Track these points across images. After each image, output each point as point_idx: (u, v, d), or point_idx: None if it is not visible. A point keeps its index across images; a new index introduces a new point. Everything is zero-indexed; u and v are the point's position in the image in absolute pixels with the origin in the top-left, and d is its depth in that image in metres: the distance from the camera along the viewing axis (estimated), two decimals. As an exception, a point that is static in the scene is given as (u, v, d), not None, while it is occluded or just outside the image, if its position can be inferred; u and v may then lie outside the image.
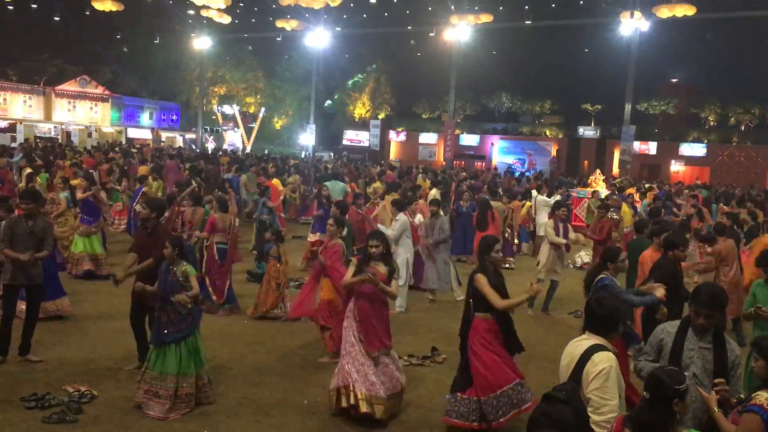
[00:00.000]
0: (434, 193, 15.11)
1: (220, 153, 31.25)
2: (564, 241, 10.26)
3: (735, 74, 39.89)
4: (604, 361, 3.63)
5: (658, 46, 35.36)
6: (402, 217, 10.26)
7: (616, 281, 6.43)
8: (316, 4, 27.04)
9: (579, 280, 11.26)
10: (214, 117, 44.37)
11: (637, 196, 19.96)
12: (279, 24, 34.87)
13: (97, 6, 29.81)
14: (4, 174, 15.42)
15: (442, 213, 10.91)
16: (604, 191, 19.64)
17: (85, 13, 35.72)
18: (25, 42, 39.84)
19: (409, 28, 38.98)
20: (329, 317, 7.55)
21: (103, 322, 8.64)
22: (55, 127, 37.81)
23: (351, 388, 5.88)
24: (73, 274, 10.91)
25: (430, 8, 36.56)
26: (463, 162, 39.96)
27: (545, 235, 10.49)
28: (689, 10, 26.04)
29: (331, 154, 40.99)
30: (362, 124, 47.50)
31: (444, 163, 36.79)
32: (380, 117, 47.54)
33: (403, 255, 10.03)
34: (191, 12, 37.13)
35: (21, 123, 35.10)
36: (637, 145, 37.58)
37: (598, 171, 25.02)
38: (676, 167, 39.40)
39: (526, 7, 36.35)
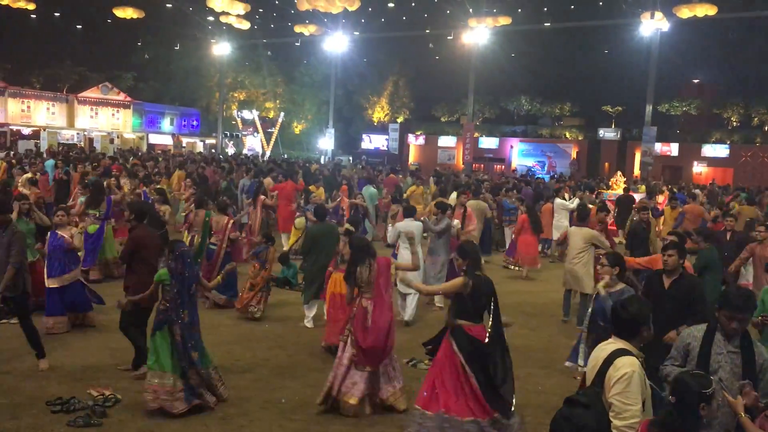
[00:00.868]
0: (453, 197, 15.12)
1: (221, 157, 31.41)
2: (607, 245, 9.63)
3: (758, 74, 39.32)
4: (627, 365, 3.59)
5: (679, 47, 34.99)
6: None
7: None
8: (335, 9, 27.08)
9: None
10: (234, 122, 44.65)
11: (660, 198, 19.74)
12: (297, 29, 35.01)
13: (119, 14, 30.17)
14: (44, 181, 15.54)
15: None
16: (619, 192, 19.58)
17: (107, 21, 36.13)
18: (48, 50, 40.43)
19: (428, 31, 38.95)
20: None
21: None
22: (77, 133, 38.29)
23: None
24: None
25: (448, 11, 36.53)
26: (482, 165, 39.86)
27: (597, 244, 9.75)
28: (710, 10, 25.72)
29: (350, 158, 41.08)
30: (381, 128, 47.56)
31: (463, 166, 36.70)
32: (399, 120, 47.57)
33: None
34: (211, 18, 37.44)
35: (44, 130, 35.56)
36: (659, 147, 37.21)
37: (619, 173, 24.83)
38: (698, 168, 38.95)
39: (545, 9, 36.18)
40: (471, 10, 33.01)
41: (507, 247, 15.10)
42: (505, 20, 31.77)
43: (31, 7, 31.57)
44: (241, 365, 7.51)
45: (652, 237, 10.87)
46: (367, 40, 41.78)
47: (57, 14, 38.61)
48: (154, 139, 42.30)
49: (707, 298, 6.13)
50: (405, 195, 17.13)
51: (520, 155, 43.38)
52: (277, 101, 47.02)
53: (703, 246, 8.26)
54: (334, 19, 36.10)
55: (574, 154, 42.23)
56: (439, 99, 47.15)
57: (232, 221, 10.30)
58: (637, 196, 18.71)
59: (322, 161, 37.58)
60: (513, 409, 5.57)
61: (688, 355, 4.18)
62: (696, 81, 43.74)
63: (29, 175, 14.13)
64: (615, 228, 15.91)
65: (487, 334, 5.50)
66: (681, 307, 5.68)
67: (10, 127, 35.72)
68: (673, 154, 39.89)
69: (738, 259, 9.07)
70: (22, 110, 36.67)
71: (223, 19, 32.51)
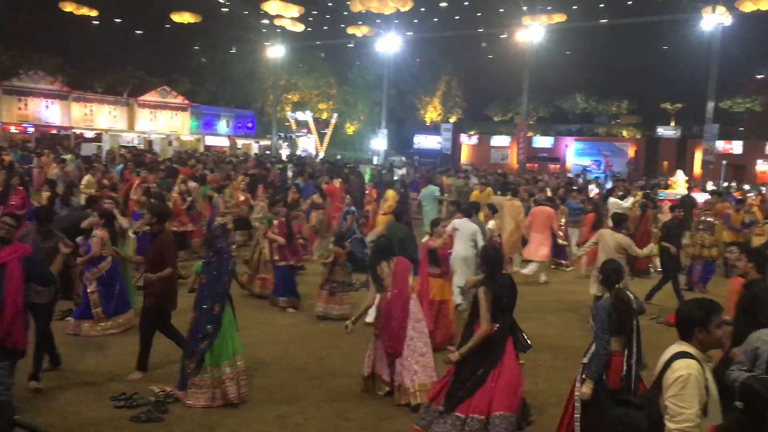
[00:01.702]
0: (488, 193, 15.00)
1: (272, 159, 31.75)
2: (644, 252, 9.56)
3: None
4: (683, 368, 3.48)
5: (742, 41, 33.81)
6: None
7: None
8: (387, 9, 27.19)
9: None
10: (287, 124, 45.20)
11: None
12: (350, 31, 35.29)
13: (176, 19, 30.96)
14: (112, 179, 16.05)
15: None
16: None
17: (166, 27, 37.06)
18: (110, 55, 41.71)
19: (481, 30, 38.69)
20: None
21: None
22: (138, 136, 39.37)
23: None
24: None
25: (501, 10, 36.19)
26: (536, 165, 39.36)
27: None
28: (776, 3, 24.86)
29: (403, 159, 41.10)
30: (433, 128, 47.45)
31: (517, 165, 36.32)
32: (451, 120, 47.38)
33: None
34: (265, 22, 37.99)
35: (106, 133, 36.69)
36: (721, 145, 36.07)
37: (680, 172, 24.17)
38: (762, 167, 37.59)
39: (602, 5, 35.48)
40: (525, 8, 32.66)
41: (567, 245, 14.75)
42: (560, 17, 31.34)
43: (94, 13, 32.70)
44: (297, 364, 7.57)
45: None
46: (419, 40, 41.75)
47: (118, 20, 39.78)
48: (211, 141, 43.19)
49: None
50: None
51: (575, 154, 42.66)
52: (330, 102, 47.44)
53: None
54: (387, 20, 36.18)
55: (631, 153, 41.30)
56: (492, 98, 46.80)
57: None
58: (699, 196, 18.15)
59: (374, 162, 37.71)
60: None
61: (757, 359, 4.03)
62: (760, 76, 42.21)
63: (89, 177, 14.60)
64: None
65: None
66: (750, 313, 5.47)
67: (74, 130, 36.99)
68: (736, 152, 38.61)
69: None
70: (85, 114, 37.95)
71: (277, 22, 33.00)
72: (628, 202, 14.67)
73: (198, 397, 6.15)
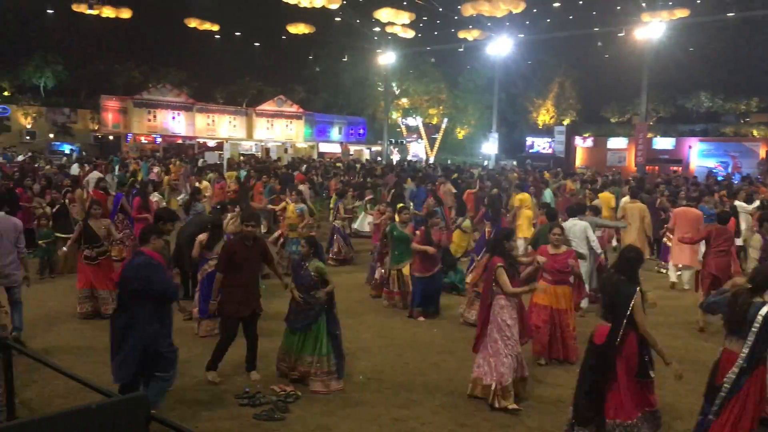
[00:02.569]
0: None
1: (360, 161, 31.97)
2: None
3: None
4: None
5: None
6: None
7: None
8: (499, 12, 26.83)
9: None
10: (398, 129, 45.58)
11: None
12: (461, 35, 35.13)
13: (292, 30, 31.96)
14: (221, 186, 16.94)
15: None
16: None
17: (282, 38, 38.37)
18: (230, 67, 43.73)
19: (596, 29, 37.43)
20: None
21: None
22: (255, 144, 40.95)
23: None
24: None
25: (618, 7, 34.90)
26: (656, 167, 37.55)
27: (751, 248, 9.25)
28: None
29: (514, 163, 40.43)
30: (546, 131, 46.41)
31: (635, 168, 34.85)
32: (565, 123, 46.16)
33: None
34: (377, 29, 38.52)
35: (227, 141, 38.42)
36: None
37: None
38: None
39: (728, -2, 33.49)
40: (644, 4, 31.32)
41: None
42: (682, 12, 29.83)
43: (216, 28, 34.37)
44: (411, 369, 7.60)
45: None
46: (530, 42, 40.93)
47: (238, 33, 41.62)
48: (324, 147, 44.28)
49: None
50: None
51: (699, 156, 40.37)
52: (441, 107, 47.42)
53: None
54: (498, 23, 35.75)
55: (763, 154, 38.62)
56: (608, 99, 45.20)
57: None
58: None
59: (486, 166, 37.33)
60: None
61: None
62: None
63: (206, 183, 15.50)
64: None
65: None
66: None
67: (198, 139, 38.99)
68: None
69: None
70: (208, 124, 39.92)
71: (388, 29, 33.37)
72: (754, 204, 13.74)
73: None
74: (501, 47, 37.31)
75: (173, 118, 38.48)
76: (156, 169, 23.29)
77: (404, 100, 47.67)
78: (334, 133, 45.95)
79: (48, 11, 37.80)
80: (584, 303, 10.00)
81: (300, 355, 6.85)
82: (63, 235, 11.73)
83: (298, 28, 32.01)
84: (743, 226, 13.33)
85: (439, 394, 6.81)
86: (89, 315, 9.23)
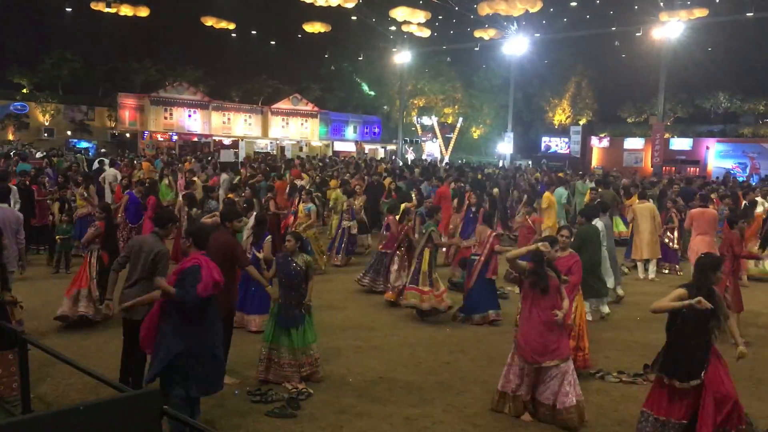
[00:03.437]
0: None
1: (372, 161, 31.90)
2: None
3: None
4: None
5: None
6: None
7: None
8: (516, 11, 26.74)
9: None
10: (413, 128, 45.56)
11: None
12: (477, 34, 35.05)
13: (308, 29, 32.05)
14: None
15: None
16: None
17: (297, 36, 38.47)
18: (245, 66, 43.93)
19: (614, 28, 37.17)
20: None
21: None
22: (270, 142, 41.08)
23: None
24: None
25: (636, 6, 34.64)
26: (673, 168, 37.25)
27: None
28: None
29: (529, 162, 40.28)
30: (561, 131, 46.19)
31: (651, 168, 34.60)
32: (581, 123, 45.92)
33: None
34: (393, 28, 38.53)
35: (242, 140, 38.59)
36: None
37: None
38: None
39: (747, -3, 33.10)
40: (662, 3, 31.08)
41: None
42: (701, 12, 29.57)
43: (232, 26, 34.54)
44: (424, 368, 7.59)
45: None
46: (547, 41, 40.76)
47: (253, 32, 41.78)
48: (339, 146, 44.33)
49: None
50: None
51: (717, 157, 39.98)
52: (456, 106, 47.34)
53: None
54: (514, 22, 35.64)
55: (781, 155, 38.19)
56: (625, 99, 44.90)
57: (494, 234, 9.81)
58: None
59: (500, 165, 37.23)
60: None
61: None
62: None
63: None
64: None
65: None
66: None
67: (214, 137, 39.20)
68: None
69: None
70: (223, 122, 40.11)
71: (404, 28, 33.39)
72: (761, 208, 13.69)
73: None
74: (517, 46, 37.19)
75: (189, 116, 38.69)
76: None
77: (420, 99, 47.62)
78: (349, 131, 46.00)
79: (67, 9, 38.14)
80: (605, 308, 9.95)
81: (298, 348, 6.88)
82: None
83: (314, 27, 32.10)
84: None
85: (451, 393, 6.80)
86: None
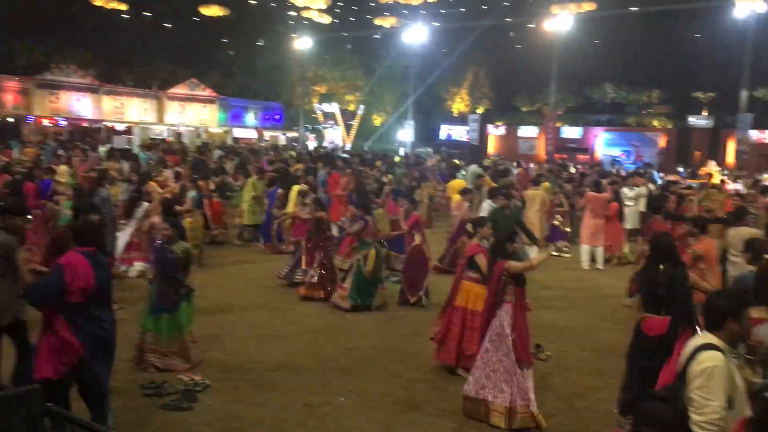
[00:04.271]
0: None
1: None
2: None
3: None
4: (709, 360, 3.45)
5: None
6: None
7: None
8: (414, 0, 27.07)
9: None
10: (314, 115, 45.30)
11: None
12: (377, 22, 35.26)
13: (205, 12, 31.19)
14: None
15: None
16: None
17: (194, 19, 37.34)
18: (139, 49, 42.17)
19: (508, 20, 38.34)
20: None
21: (220, 315, 9.01)
22: (167, 128, 39.72)
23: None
24: None
25: (530, -1, 35.90)
26: (564, 155, 38.93)
27: None
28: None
29: (429, 150, 40.97)
30: (460, 119, 47.22)
31: (545, 156, 36.00)
32: (479, 111, 47.10)
33: None
34: (293, 13, 38.08)
35: (137, 126, 37.11)
36: (756, 134, 35.31)
37: (713, 162, 23.78)
38: (798, 157, 36.71)
39: (632, -8, 34.95)
40: (554, -4, 32.31)
41: None
42: (589, 6, 30.97)
43: (123, 7, 33.08)
44: (324, 354, 7.62)
45: None
46: (446, 30, 41.51)
47: (147, 14, 40.21)
48: (239, 133, 43.43)
49: None
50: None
51: (605, 145, 42.12)
52: (357, 94, 47.39)
53: None
54: (414, 11, 36.06)
55: (662, 143, 40.67)
56: (520, 89, 46.37)
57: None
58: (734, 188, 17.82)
59: (401, 153, 37.67)
60: None
61: None
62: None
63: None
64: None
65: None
66: None
67: (105, 123, 37.49)
68: (771, 142, 37.69)
69: None
70: (116, 107, 38.39)
71: (304, 13, 33.14)
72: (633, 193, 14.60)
73: None
74: (416, 35, 37.66)
75: (78, 100, 36.76)
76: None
77: (321, 86, 47.35)
78: (250, 118, 45.15)
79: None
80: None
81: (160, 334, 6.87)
82: None
83: (212, 10, 31.31)
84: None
85: (351, 379, 6.87)
86: None
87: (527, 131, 45.08)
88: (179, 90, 40.84)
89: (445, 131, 47.28)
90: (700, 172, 23.34)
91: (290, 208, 12.45)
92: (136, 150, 24.00)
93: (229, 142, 38.52)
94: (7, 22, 37.26)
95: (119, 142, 28.41)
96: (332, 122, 44.35)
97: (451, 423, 5.93)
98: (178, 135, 38.73)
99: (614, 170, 25.17)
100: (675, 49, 39.91)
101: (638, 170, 23.08)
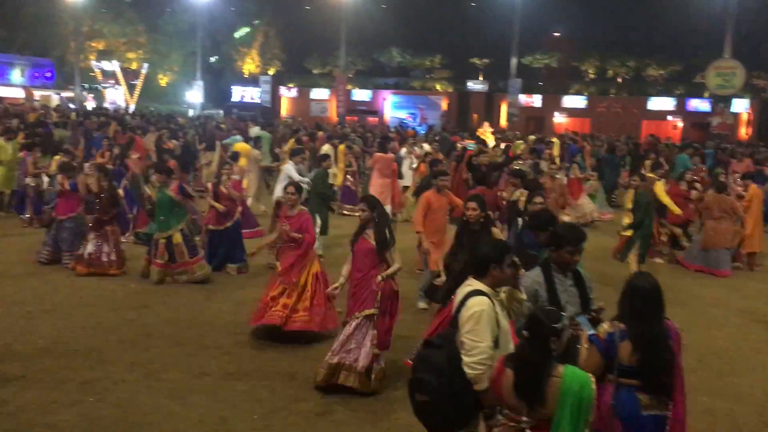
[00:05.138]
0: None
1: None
2: None
3: (612, 28, 41.62)
4: (476, 305, 3.75)
5: (541, 1, 36.21)
6: None
7: None
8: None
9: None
10: (92, 74, 41.92)
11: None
12: (159, -25, 33.20)
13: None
14: None
15: None
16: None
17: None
18: None
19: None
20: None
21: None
22: None
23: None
24: None
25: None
26: (355, 117, 39.88)
27: None
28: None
29: (221, 112, 39.81)
30: (252, 80, 46.34)
31: (337, 119, 36.59)
32: (270, 73, 46.52)
33: None
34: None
35: None
36: (523, 98, 38.70)
37: (486, 124, 25.68)
38: (559, 119, 40.95)
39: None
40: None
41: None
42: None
43: None
44: (105, 326, 7.23)
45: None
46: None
47: None
48: (4, 92, 38.90)
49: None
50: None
51: (392, 107, 43.79)
52: (140, 51, 44.45)
53: None
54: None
55: (444, 106, 43.15)
56: (311, 51, 46.45)
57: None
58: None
59: (190, 115, 36.24)
60: None
61: (537, 301, 4.32)
62: (556, 34, 45.52)
63: None
64: None
65: None
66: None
67: None
68: (536, 105, 41.62)
69: None
70: None
71: (74, -39, 30.18)
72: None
73: None
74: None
75: None
76: None
77: (98, 42, 43.73)
78: (15, 75, 40.57)
79: None
80: None
81: None
82: None
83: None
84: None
85: (135, 351, 6.59)
86: None
87: (319, 93, 45.49)
88: (-76, 42, 35.63)
89: (239, 93, 46.14)
90: (478, 133, 25.08)
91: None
92: None
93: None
94: None
95: None
96: (113, 81, 41.36)
97: (242, 386, 5.94)
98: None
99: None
100: (454, 16, 42.32)
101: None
